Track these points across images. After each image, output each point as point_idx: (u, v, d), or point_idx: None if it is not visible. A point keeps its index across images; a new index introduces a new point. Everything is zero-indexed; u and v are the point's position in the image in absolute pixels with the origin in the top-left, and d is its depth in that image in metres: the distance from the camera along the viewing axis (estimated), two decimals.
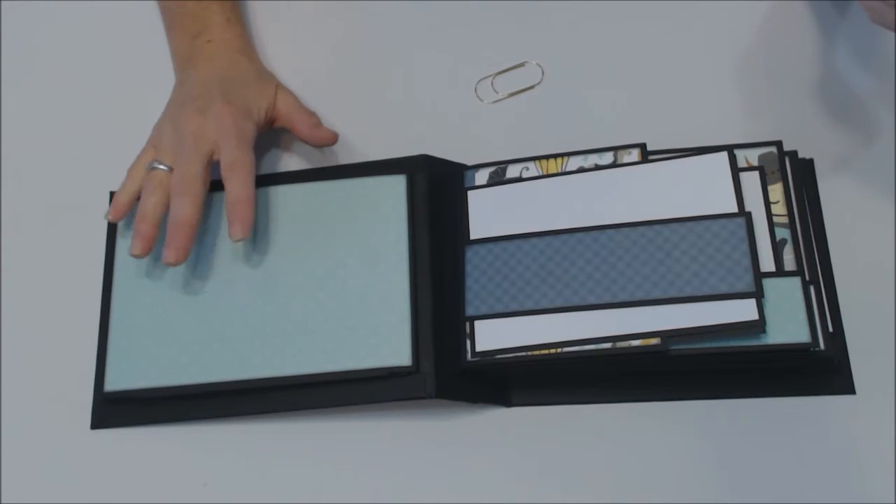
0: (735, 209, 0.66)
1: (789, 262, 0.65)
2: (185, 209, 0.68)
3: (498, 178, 0.72)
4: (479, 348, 0.67)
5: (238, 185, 0.68)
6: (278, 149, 0.79)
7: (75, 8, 0.87)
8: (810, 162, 0.72)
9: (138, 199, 0.71)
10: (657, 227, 0.67)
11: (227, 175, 0.69)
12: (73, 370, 0.72)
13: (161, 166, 0.70)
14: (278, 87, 0.76)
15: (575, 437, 0.67)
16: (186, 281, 0.71)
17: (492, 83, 0.80)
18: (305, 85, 0.79)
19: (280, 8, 0.85)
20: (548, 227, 0.69)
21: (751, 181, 0.68)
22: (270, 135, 0.78)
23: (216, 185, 0.71)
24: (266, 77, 0.77)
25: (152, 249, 0.69)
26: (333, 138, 0.75)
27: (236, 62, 0.76)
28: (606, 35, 0.80)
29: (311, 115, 0.76)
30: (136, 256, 0.69)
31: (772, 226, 0.66)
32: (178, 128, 0.71)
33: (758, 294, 0.63)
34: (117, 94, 0.83)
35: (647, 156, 0.70)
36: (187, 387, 0.68)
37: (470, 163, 0.74)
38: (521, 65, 0.80)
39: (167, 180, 0.69)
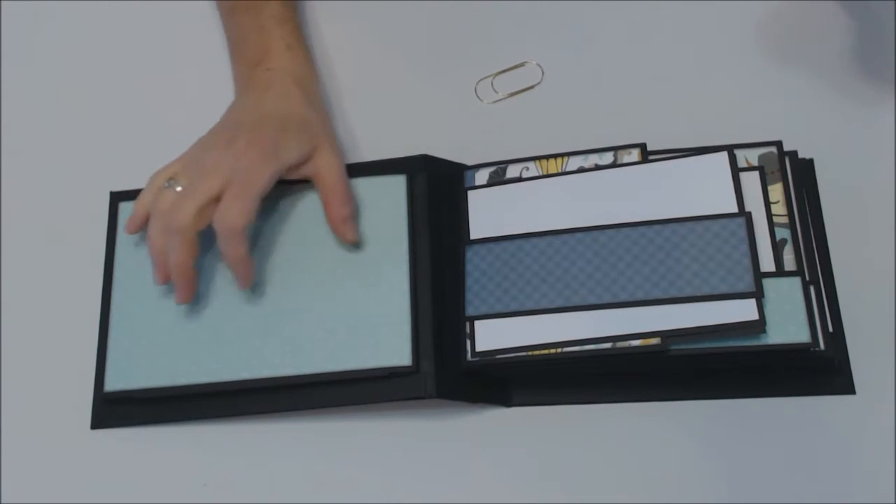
0: (735, 209, 0.66)
1: (789, 262, 0.65)
2: (177, 255, 0.67)
3: (498, 178, 0.72)
4: (479, 348, 0.67)
5: (229, 247, 0.66)
6: None
7: (76, 7, 0.87)
8: (810, 162, 0.72)
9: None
10: (657, 227, 0.67)
11: (216, 229, 0.67)
12: (73, 370, 0.72)
13: (178, 187, 0.68)
14: (323, 145, 0.70)
15: (575, 437, 0.67)
16: None
17: (492, 83, 0.80)
18: None
19: None
20: (548, 227, 0.69)
21: (751, 181, 0.68)
22: None
23: None
24: (312, 127, 0.71)
25: (187, 277, 0.69)
26: (353, 241, 0.70)
27: (288, 97, 0.71)
28: (606, 35, 0.80)
29: (347, 203, 0.70)
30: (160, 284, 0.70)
31: (772, 226, 0.66)
32: (202, 154, 0.70)
33: (758, 294, 0.63)
34: (118, 94, 0.83)
35: (647, 156, 0.70)
36: (187, 387, 0.68)
37: (470, 163, 0.74)
38: (521, 65, 0.80)
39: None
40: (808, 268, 0.65)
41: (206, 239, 0.72)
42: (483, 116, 0.78)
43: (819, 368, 0.66)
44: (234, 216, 0.66)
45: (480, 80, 0.80)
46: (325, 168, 0.70)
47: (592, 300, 0.66)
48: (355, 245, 0.70)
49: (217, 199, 0.67)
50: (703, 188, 0.68)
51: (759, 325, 0.62)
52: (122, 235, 0.74)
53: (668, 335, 0.63)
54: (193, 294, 0.69)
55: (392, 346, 0.66)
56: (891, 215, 0.70)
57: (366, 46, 0.83)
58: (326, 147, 0.71)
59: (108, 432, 0.70)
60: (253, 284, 0.70)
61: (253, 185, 0.67)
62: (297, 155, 0.69)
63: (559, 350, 0.65)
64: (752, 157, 0.69)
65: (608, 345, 0.64)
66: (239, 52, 0.76)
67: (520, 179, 0.72)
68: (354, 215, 0.70)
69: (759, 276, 0.64)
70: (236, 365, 0.68)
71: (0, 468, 0.69)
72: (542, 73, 0.80)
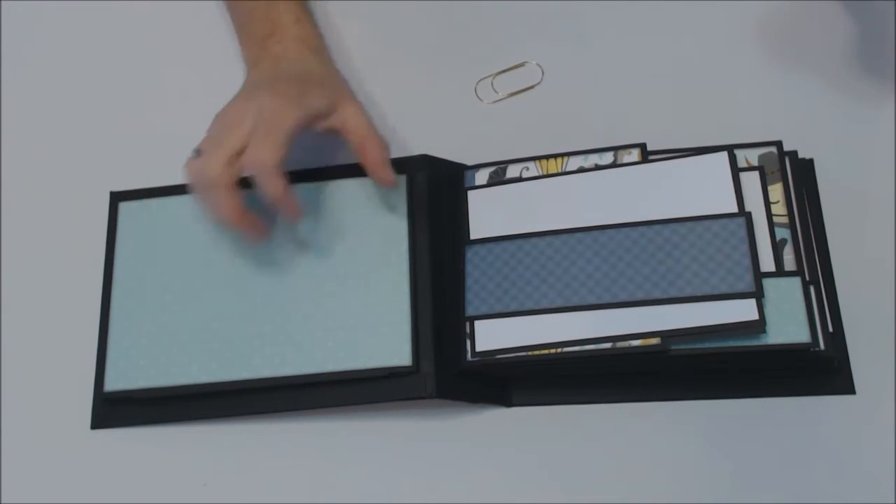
0: (735, 209, 0.66)
1: (789, 262, 0.65)
2: (222, 209, 0.66)
3: (498, 178, 0.72)
4: (479, 348, 0.67)
5: (266, 185, 0.65)
6: None
7: (76, 7, 0.87)
8: (810, 162, 0.72)
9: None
10: (657, 227, 0.67)
11: (250, 172, 0.65)
12: (73, 370, 0.72)
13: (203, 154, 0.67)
14: (347, 98, 0.70)
15: (575, 437, 0.67)
16: (186, 281, 0.71)
17: (492, 83, 0.80)
18: None
19: None
20: (548, 227, 0.69)
21: (751, 181, 0.68)
22: None
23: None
24: (334, 83, 0.71)
25: (246, 223, 0.67)
26: (394, 183, 0.69)
27: (305, 59, 0.71)
28: (606, 35, 0.80)
29: (383, 147, 0.69)
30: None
31: (772, 226, 0.66)
32: (222, 114, 0.68)
33: (758, 294, 0.63)
34: (118, 95, 0.83)
35: (647, 156, 0.70)
36: (187, 387, 0.68)
37: (470, 163, 0.74)
38: (521, 65, 0.80)
39: None
40: (808, 268, 0.65)
41: (204, 235, 0.72)
42: (483, 116, 0.78)
43: (819, 368, 0.66)
44: (264, 153, 0.64)
45: (480, 80, 0.80)
46: (353, 117, 0.69)
47: (592, 300, 0.66)
48: (355, 245, 0.70)
49: (238, 157, 0.65)
50: (703, 188, 0.68)
51: (758, 325, 0.62)
52: (122, 235, 0.74)
53: (668, 335, 0.63)
54: (262, 231, 0.68)
55: (392, 346, 0.66)
56: (891, 215, 0.70)
57: (366, 46, 0.83)
58: (350, 99, 0.70)
59: (108, 432, 0.70)
60: (252, 285, 0.70)
61: (280, 125, 0.65)
62: (323, 104, 0.68)
63: (559, 350, 0.65)
64: (752, 157, 0.69)
65: (608, 345, 0.64)
66: (247, 31, 0.75)
67: (520, 179, 0.72)
68: (389, 159, 0.69)
69: (759, 276, 0.64)
70: (236, 365, 0.68)
71: (0, 468, 0.69)
72: (542, 73, 0.80)
